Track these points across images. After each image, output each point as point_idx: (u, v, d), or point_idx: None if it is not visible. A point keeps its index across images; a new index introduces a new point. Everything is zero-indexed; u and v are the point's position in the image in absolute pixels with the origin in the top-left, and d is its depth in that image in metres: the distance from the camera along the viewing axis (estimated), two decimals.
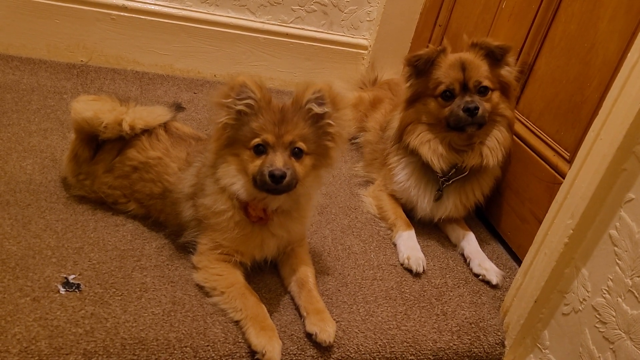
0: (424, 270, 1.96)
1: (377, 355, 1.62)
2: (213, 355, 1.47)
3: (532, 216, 2.08)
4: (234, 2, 2.95)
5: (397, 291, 1.84)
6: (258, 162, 1.51)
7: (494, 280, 1.96)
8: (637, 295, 1.40)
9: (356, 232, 2.10)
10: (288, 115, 1.51)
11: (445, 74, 2.02)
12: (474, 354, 1.74)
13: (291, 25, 3.08)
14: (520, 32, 2.28)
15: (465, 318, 1.80)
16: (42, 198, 1.83)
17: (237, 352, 1.49)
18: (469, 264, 2.05)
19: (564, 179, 1.68)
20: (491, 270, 1.99)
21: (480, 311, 1.85)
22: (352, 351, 1.59)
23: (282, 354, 1.48)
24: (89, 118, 1.74)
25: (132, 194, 1.82)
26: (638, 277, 1.41)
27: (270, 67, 3.13)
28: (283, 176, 1.47)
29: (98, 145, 1.83)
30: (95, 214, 1.82)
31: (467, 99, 1.98)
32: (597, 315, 1.52)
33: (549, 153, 2.05)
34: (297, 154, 1.53)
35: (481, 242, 2.16)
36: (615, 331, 1.46)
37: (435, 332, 1.72)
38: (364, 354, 1.61)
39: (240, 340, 1.50)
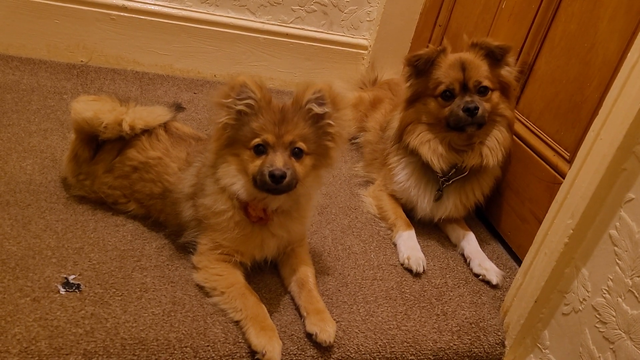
0: (424, 270, 1.96)
1: (377, 355, 1.62)
2: (213, 355, 1.47)
3: (532, 216, 2.08)
4: (234, 2, 2.95)
5: (397, 291, 1.84)
6: (258, 162, 1.51)
7: (494, 280, 1.96)
8: (637, 295, 1.40)
9: (356, 232, 2.10)
10: (288, 115, 1.51)
11: (445, 74, 2.02)
12: (474, 354, 1.74)
13: (291, 25, 3.08)
14: (520, 32, 2.28)
15: (466, 318, 1.80)
16: (42, 198, 1.83)
17: (237, 352, 1.49)
18: (469, 264, 2.05)
19: (564, 178, 1.68)
20: (491, 270, 1.99)
21: (481, 311, 1.85)
22: (352, 351, 1.59)
23: (282, 354, 1.47)
24: (89, 118, 1.74)
25: (132, 194, 1.82)
26: (638, 277, 1.41)
27: (270, 67, 3.13)
28: (283, 176, 1.47)
29: (98, 145, 1.83)
30: (95, 214, 1.82)
31: (467, 99, 1.98)
32: (597, 315, 1.52)
33: (549, 153, 2.05)
34: (297, 154, 1.53)
35: (481, 242, 2.16)
36: (616, 331, 1.46)
37: (436, 332, 1.72)
38: (364, 354, 1.61)
39: (240, 341, 1.50)
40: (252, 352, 1.48)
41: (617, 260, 1.47)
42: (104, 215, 1.83)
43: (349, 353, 1.59)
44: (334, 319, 1.59)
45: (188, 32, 2.92)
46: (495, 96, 2.05)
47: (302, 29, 3.10)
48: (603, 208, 1.52)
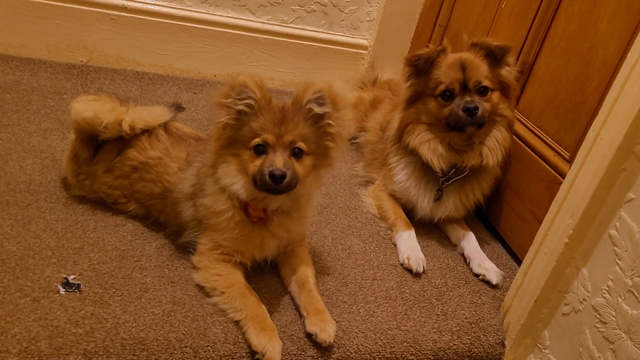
0: (424, 270, 1.96)
1: (377, 355, 1.62)
2: (213, 355, 1.47)
3: (532, 216, 2.08)
4: (234, 2, 2.95)
5: (397, 291, 1.84)
6: (258, 162, 1.51)
7: (494, 280, 1.96)
8: (637, 295, 1.40)
9: (356, 232, 2.10)
10: (288, 115, 1.51)
11: (445, 73, 2.02)
12: (474, 354, 1.74)
13: (291, 25, 3.08)
14: (520, 32, 2.28)
15: (466, 318, 1.80)
16: (42, 198, 1.83)
17: (237, 352, 1.49)
18: (469, 264, 2.05)
19: (564, 178, 1.68)
20: (491, 270, 1.99)
21: (481, 311, 1.85)
22: (352, 351, 1.59)
23: (282, 354, 1.47)
24: (89, 118, 1.74)
25: (132, 194, 1.82)
26: (638, 277, 1.41)
27: (270, 67, 3.13)
28: (283, 176, 1.47)
29: (98, 145, 1.83)
30: (95, 214, 1.82)
31: (467, 98, 1.99)
32: (597, 315, 1.52)
33: (549, 153, 2.05)
34: (297, 154, 1.53)
35: (481, 242, 2.16)
36: (615, 331, 1.46)
37: (436, 332, 1.72)
38: (364, 354, 1.61)
39: (240, 341, 1.50)
40: (252, 352, 1.48)
41: (617, 260, 1.47)
42: (104, 215, 1.83)
43: (349, 353, 1.59)
44: (334, 319, 1.59)
45: (188, 32, 2.92)
46: (495, 96, 2.05)
47: (302, 29, 3.10)
48: (603, 208, 1.52)
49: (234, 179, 1.57)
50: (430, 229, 2.22)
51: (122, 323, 1.46)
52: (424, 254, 2.01)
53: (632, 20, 1.76)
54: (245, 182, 1.56)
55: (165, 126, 1.86)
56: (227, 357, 1.48)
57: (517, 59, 2.23)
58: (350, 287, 1.81)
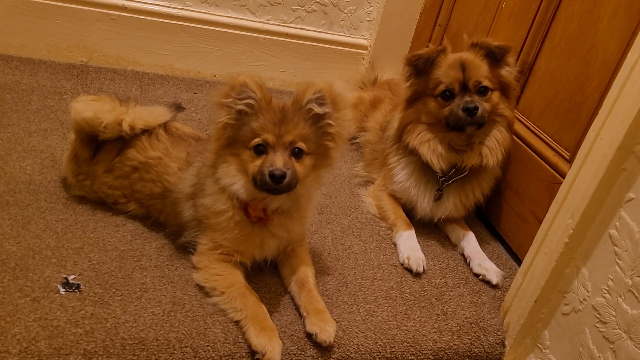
0: (424, 270, 1.96)
1: (377, 355, 1.62)
2: (213, 355, 1.47)
3: (532, 216, 2.08)
4: (234, 2, 2.95)
5: (397, 291, 1.84)
6: (258, 162, 1.51)
7: (494, 280, 1.96)
8: (637, 295, 1.40)
9: (356, 232, 2.10)
10: (288, 115, 1.51)
11: (445, 73, 2.02)
12: (474, 354, 1.74)
13: (291, 25, 3.08)
14: (520, 32, 2.28)
15: (466, 318, 1.80)
16: (42, 198, 1.83)
17: (237, 352, 1.49)
18: (469, 263, 2.05)
19: (564, 178, 1.68)
20: (491, 270, 1.99)
21: (481, 311, 1.85)
22: (352, 351, 1.59)
23: (282, 354, 1.47)
24: (89, 118, 1.74)
25: (132, 194, 1.82)
26: (638, 276, 1.41)
27: (270, 67, 3.13)
28: (283, 176, 1.47)
29: (98, 145, 1.83)
30: (95, 214, 1.82)
31: (467, 98, 1.99)
32: (597, 315, 1.52)
33: (549, 153, 2.05)
34: (297, 154, 1.53)
35: (481, 242, 2.16)
36: (616, 331, 1.46)
37: (436, 332, 1.72)
38: (364, 354, 1.61)
39: (240, 341, 1.50)
40: (252, 352, 1.48)
41: (617, 260, 1.47)
42: (104, 215, 1.83)
43: (349, 353, 1.59)
44: (334, 319, 1.59)
45: (188, 32, 2.92)
46: (495, 96, 2.05)
47: (302, 28, 3.10)
48: (603, 208, 1.52)
49: (234, 179, 1.57)
50: (430, 229, 2.22)
51: (122, 323, 1.46)
52: (424, 254, 2.01)
53: (632, 20, 1.76)
54: (245, 182, 1.56)
55: (165, 126, 1.86)
56: (227, 357, 1.48)
57: (517, 59, 2.23)
58: (350, 287, 1.81)
